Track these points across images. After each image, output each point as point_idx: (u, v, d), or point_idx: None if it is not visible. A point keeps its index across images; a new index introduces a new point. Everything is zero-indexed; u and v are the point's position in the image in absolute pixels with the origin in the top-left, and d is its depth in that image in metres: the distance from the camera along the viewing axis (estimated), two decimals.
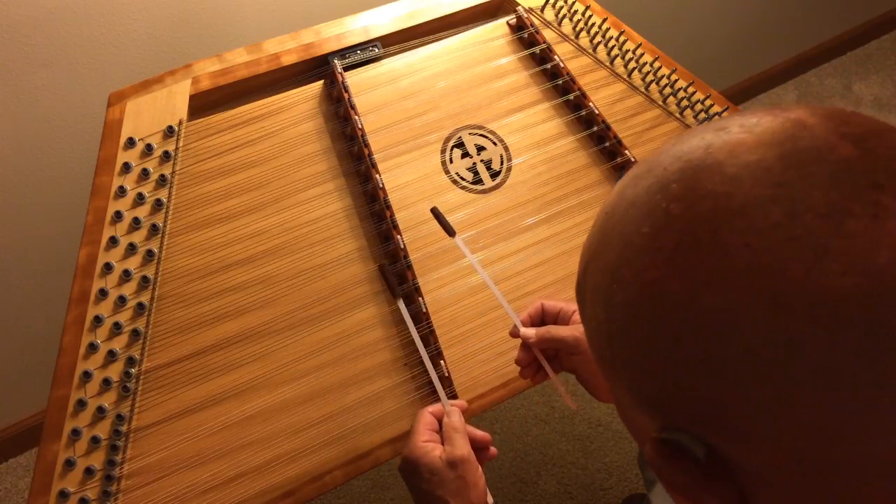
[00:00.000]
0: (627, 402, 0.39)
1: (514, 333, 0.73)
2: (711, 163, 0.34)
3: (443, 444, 0.66)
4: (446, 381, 0.77)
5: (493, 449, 0.70)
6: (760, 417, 0.32)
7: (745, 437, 0.33)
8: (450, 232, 0.76)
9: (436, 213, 0.79)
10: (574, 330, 0.71)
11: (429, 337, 0.78)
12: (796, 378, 0.30)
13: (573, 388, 1.52)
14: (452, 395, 0.77)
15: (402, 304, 0.74)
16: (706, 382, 0.33)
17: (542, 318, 0.74)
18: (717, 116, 0.98)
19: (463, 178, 0.88)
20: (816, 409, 0.30)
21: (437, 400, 0.77)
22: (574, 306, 0.73)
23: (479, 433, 0.69)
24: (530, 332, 0.72)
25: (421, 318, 0.79)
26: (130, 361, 0.72)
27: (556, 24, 0.98)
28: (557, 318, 0.74)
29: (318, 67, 0.89)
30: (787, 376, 0.31)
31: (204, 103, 0.84)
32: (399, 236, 0.81)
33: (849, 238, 0.30)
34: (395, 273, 0.82)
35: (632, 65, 0.98)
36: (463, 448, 0.65)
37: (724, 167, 0.34)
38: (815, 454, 0.31)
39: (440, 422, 0.69)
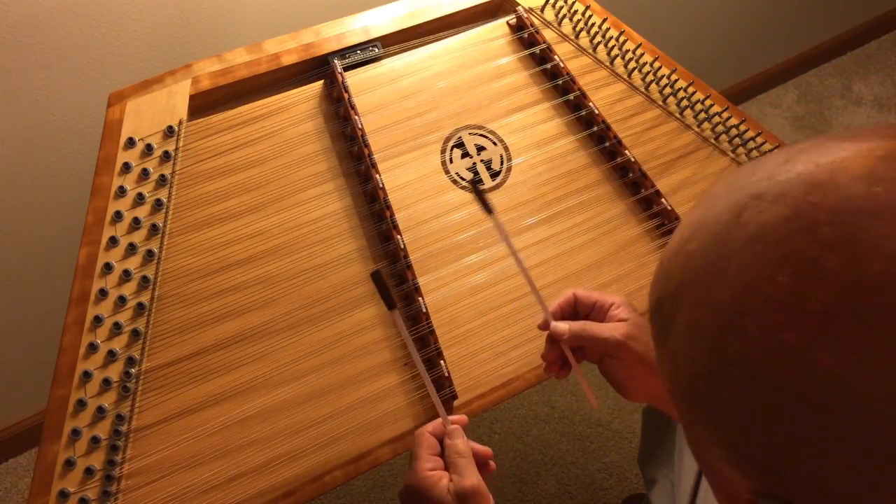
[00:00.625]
0: (716, 454, 0.35)
1: (544, 326, 0.67)
2: (879, 207, 0.27)
3: (447, 469, 0.60)
4: (446, 381, 0.77)
5: (492, 463, 0.64)
6: None
7: None
8: (488, 209, 0.67)
9: (476, 189, 0.70)
10: (614, 330, 0.64)
11: (429, 337, 0.78)
12: None
13: (573, 387, 1.52)
14: (452, 395, 0.77)
15: (397, 316, 0.63)
16: (841, 471, 0.29)
17: (574, 310, 0.68)
18: (717, 117, 0.98)
19: (463, 178, 0.88)
20: None
21: (439, 397, 0.77)
22: (612, 299, 0.67)
23: (481, 448, 0.63)
24: (563, 326, 0.65)
25: (421, 318, 0.79)
26: (130, 361, 0.72)
27: (556, 24, 0.98)
28: (592, 312, 0.67)
29: (318, 67, 0.89)
30: None
31: (204, 103, 0.84)
32: (399, 236, 0.81)
33: None
34: (394, 273, 0.82)
35: (632, 65, 0.98)
36: (472, 477, 0.58)
37: None
38: None
39: (441, 441, 0.62)
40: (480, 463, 0.63)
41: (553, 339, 0.67)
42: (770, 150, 0.98)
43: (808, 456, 0.30)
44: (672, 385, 0.37)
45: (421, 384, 0.78)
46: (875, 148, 0.30)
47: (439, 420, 0.63)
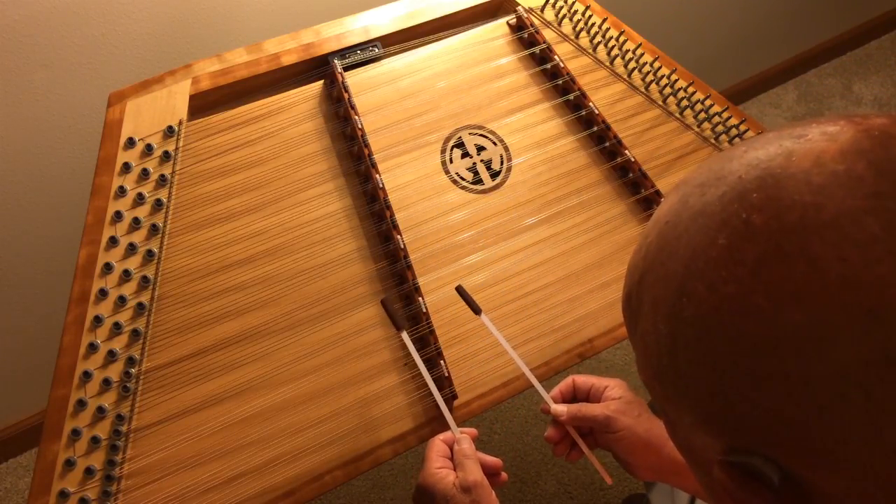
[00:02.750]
0: (688, 420, 0.37)
1: (546, 410, 0.73)
2: (795, 171, 0.33)
3: (455, 470, 0.66)
4: (446, 381, 0.77)
5: (503, 474, 0.70)
6: (847, 441, 0.30)
7: (826, 460, 0.31)
8: (475, 310, 0.77)
9: (460, 291, 0.77)
10: (605, 408, 0.71)
11: (429, 337, 0.78)
12: (891, 400, 0.29)
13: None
14: (453, 395, 0.77)
15: (406, 337, 0.73)
16: (788, 403, 0.31)
17: (573, 393, 0.74)
18: (717, 117, 0.98)
19: (463, 178, 0.88)
20: None
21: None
22: (607, 382, 0.74)
23: (491, 459, 0.69)
24: (562, 408, 0.72)
25: (421, 318, 0.79)
26: (130, 361, 0.72)
27: (556, 24, 0.98)
28: (589, 395, 0.74)
29: (318, 67, 0.89)
30: (881, 398, 0.29)
31: (204, 103, 0.84)
32: (399, 236, 0.81)
33: None
34: (394, 273, 0.82)
35: (632, 65, 0.98)
36: (476, 473, 0.65)
37: (809, 176, 0.32)
38: None
39: (451, 448, 0.69)
40: (491, 473, 0.68)
41: (557, 422, 0.73)
42: None
43: (761, 398, 0.32)
44: (645, 372, 0.40)
45: (421, 384, 0.78)
46: (794, 132, 0.35)
47: (450, 432, 0.70)
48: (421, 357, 0.79)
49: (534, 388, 0.76)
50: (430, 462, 0.66)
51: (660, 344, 0.37)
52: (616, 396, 0.72)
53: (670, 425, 0.41)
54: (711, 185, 0.36)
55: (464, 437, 0.69)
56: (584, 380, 0.74)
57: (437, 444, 0.68)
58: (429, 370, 0.78)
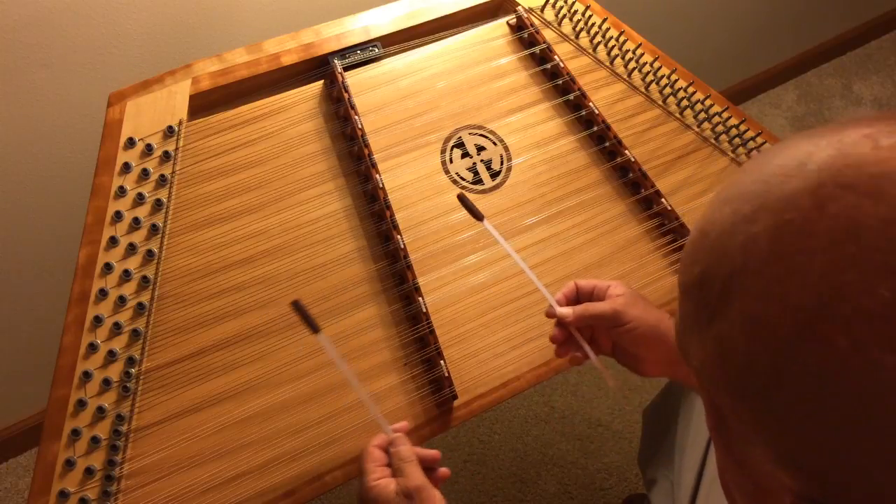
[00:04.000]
0: (759, 448, 0.34)
1: (551, 313, 0.72)
2: None
3: (394, 476, 0.64)
4: (446, 381, 0.77)
5: (442, 469, 0.67)
6: None
7: None
8: (478, 216, 0.73)
9: (462, 198, 0.74)
10: (612, 303, 0.69)
11: (429, 337, 0.78)
12: None
13: (574, 387, 1.52)
14: (453, 395, 0.77)
15: (323, 338, 0.67)
16: (887, 472, 0.29)
17: (576, 296, 0.73)
18: (717, 117, 0.98)
19: (463, 178, 0.88)
20: None
21: (439, 400, 0.78)
22: (608, 282, 0.72)
23: (428, 452, 0.66)
24: (567, 310, 0.71)
25: (421, 318, 0.79)
26: (130, 361, 0.72)
27: (556, 24, 0.98)
28: (592, 296, 0.72)
29: (318, 67, 0.89)
30: None
31: (204, 103, 0.84)
32: (399, 236, 0.81)
33: None
34: (394, 273, 0.82)
35: (632, 65, 0.98)
36: (416, 477, 0.62)
37: None
38: None
39: (387, 451, 0.66)
40: (430, 468, 0.66)
41: (560, 323, 0.72)
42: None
43: (867, 465, 0.29)
44: (713, 370, 0.35)
45: (421, 384, 0.78)
46: None
47: (383, 435, 0.67)
48: (421, 357, 0.79)
49: (534, 389, 0.76)
50: (368, 474, 0.64)
51: (752, 365, 0.32)
52: (620, 293, 0.70)
53: (729, 432, 0.37)
54: (869, 197, 0.29)
55: (399, 438, 0.66)
56: (585, 282, 0.72)
57: (372, 452, 0.65)
58: (428, 370, 0.78)
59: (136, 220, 0.76)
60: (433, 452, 0.67)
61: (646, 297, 0.72)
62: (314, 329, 0.65)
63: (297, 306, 0.66)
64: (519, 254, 0.86)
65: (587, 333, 0.72)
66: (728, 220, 0.34)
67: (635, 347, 0.70)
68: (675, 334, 0.40)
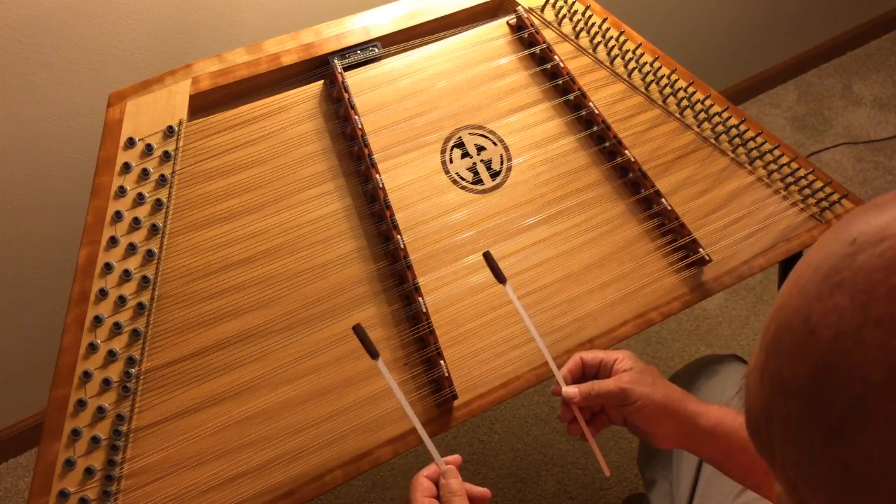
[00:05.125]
0: None
1: (557, 392, 0.72)
2: None
3: None
4: (446, 381, 0.77)
5: None
6: None
7: None
8: (500, 279, 0.74)
9: (359, 331, 0.70)
10: (618, 381, 0.69)
11: (429, 337, 0.78)
12: None
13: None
14: (453, 395, 0.77)
15: (381, 364, 0.68)
16: None
17: (582, 371, 0.73)
18: (717, 117, 0.98)
19: (463, 178, 0.88)
20: None
21: (439, 400, 0.77)
22: (615, 355, 0.71)
23: (478, 490, 0.66)
24: (573, 390, 0.70)
25: (421, 318, 0.79)
26: (130, 361, 0.72)
27: (556, 24, 0.98)
28: (599, 371, 0.72)
29: (318, 67, 0.89)
30: None
31: (204, 103, 0.84)
32: (399, 236, 0.81)
33: None
34: (394, 273, 0.82)
35: (632, 65, 0.98)
36: None
37: None
38: None
39: (437, 483, 0.65)
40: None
41: (566, 403, 0.71)
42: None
43: None
44: (825, 493, 0.30)
45: (421, 384, 0.78)
46: None
47: (434, 465, 0.66)
48: (421, 357, 0.79)
49: (534, 389, 0.76)
50: (416, 503, 0.63)
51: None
52: (627, 368, 0.70)
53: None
54: None
55: (449, 471, 0.65)
56: (591, 356, 0.72)
57: (422, 482, 0.64)
58: (428, 370, 0.78)
59: (136, 220, 0.76)
60: (484, 490, 0.66)
61: (655, 369, 0.71)
62: (373, 355, 0.67)
63: (358, 331, 0.67)
64: (519, 254, 0.86)
65: (597, 406, 0.72)
66: (851, 318, 0.28)
67: (644, 425, 0.69)
68: (749, 418, 0.35)
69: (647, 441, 0.71)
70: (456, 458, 0.67)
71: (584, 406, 0.71)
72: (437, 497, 0.64)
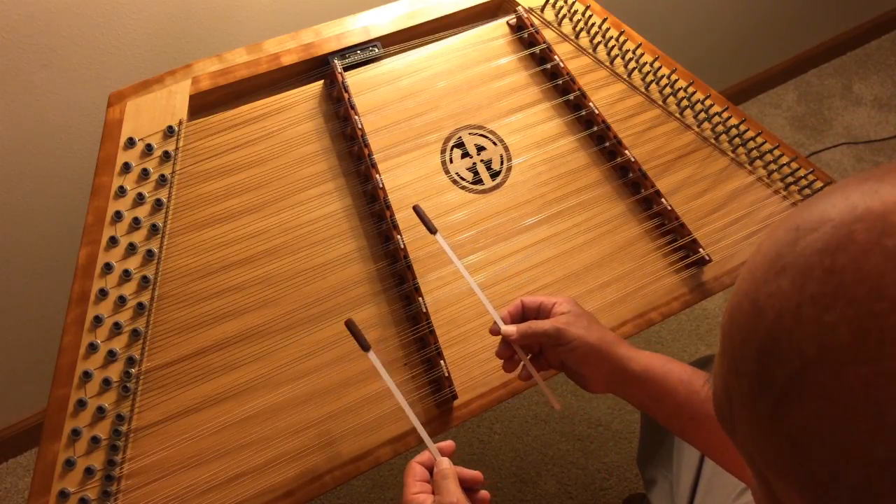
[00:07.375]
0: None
1: (495, 331, 0.73)
2: None
3: (434, 492, 0.64)
4: (446, 381, 0.77)
5: (483, 492, 0.67)
6: None
7: None
8: (431, 229, 0.76)
9: (418, 211, 0.76)
10: (555, 321, 0.70)
11: (429, 337, 0.78)
12: None
13: (574, 387, 1.52)
14: (453, 395, 0.77)
15: (373, 356, 0.69)
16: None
17: (522, 314, 0.74)
18: (717, 117, 0.98)
19: (463, 178, 0.88)
20: None
21: (439, 400, 0.78)
22: (555, 299, 0.73)
23: (469, 472, 0.66)
24: (511, 328, 0.72)
25: (421, 318, 0.79)
26: (130, 361, 0.72)
27: (556, 24, 0.98)
28: (538, 313, 0.73)
29: (318, 67, 0.89)
30: None
31: (204, 103, 0.84)
32: (399, 236, 0.81)
33: None
34: (394, 273, 0.82)
35: (632, 65, 0.98)
36: (453, 493, 0.63)
37: None
38: None
39: (431, 470, 0.66)
40: (472, 489, 0.66)
41: (505, 341, 0.73)
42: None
43: None
44: (778, 464, 0.32)
45: (421, 384, 0.78)
46: None
47: (428, 452, 0.67)
48: (421, 357, 0.79)
49: (534, 389, 0.76)
50: (408, 488, 0.64)
51: (837, 480, 0.30)
52: (564, 311, 0.72)
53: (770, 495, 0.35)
54: None
55: (442, 458, 0.66)
56: (531, 300, 0.73)
57: (415, 468, 0.66)
58: (428, 370, 0.78)
59: (136, 220, 0.76)
60: (475, 473, 0.67)
61: (592, 315, 0.73)
62: (364, 347, 0.68)
63: (350, 325, 0.68)
64: (519, 254, 0.86)
65: (535, 348, 0.73)
66: (790, 299, 0.30)
67: (578, 366, 0.71)
68: (715, 398, 0.37)
69: (581, 384, 0.72)
70: (449, 443, 0.68)
71: (522, 344, 0.72)
72: (430, 481, 0.65)
